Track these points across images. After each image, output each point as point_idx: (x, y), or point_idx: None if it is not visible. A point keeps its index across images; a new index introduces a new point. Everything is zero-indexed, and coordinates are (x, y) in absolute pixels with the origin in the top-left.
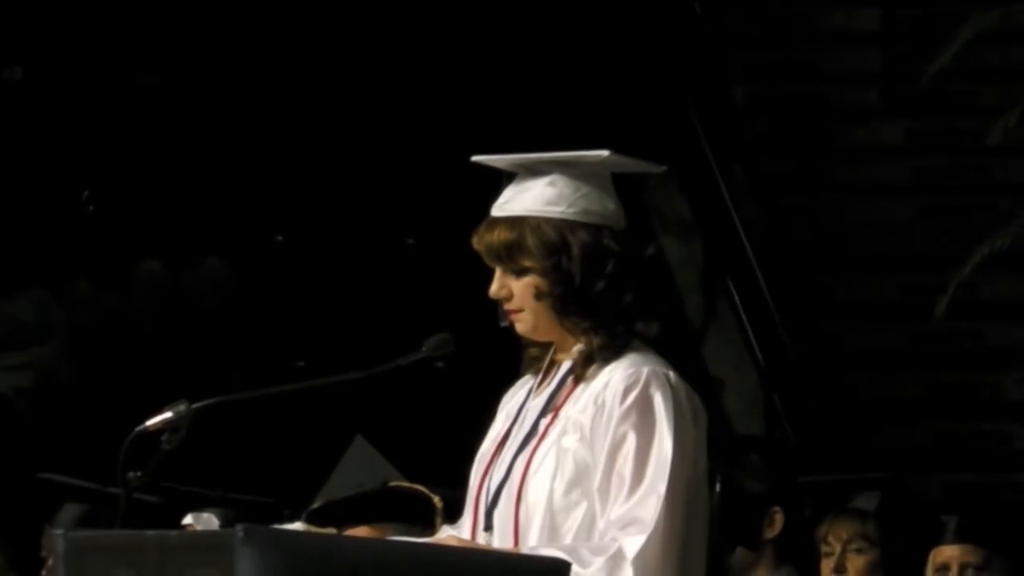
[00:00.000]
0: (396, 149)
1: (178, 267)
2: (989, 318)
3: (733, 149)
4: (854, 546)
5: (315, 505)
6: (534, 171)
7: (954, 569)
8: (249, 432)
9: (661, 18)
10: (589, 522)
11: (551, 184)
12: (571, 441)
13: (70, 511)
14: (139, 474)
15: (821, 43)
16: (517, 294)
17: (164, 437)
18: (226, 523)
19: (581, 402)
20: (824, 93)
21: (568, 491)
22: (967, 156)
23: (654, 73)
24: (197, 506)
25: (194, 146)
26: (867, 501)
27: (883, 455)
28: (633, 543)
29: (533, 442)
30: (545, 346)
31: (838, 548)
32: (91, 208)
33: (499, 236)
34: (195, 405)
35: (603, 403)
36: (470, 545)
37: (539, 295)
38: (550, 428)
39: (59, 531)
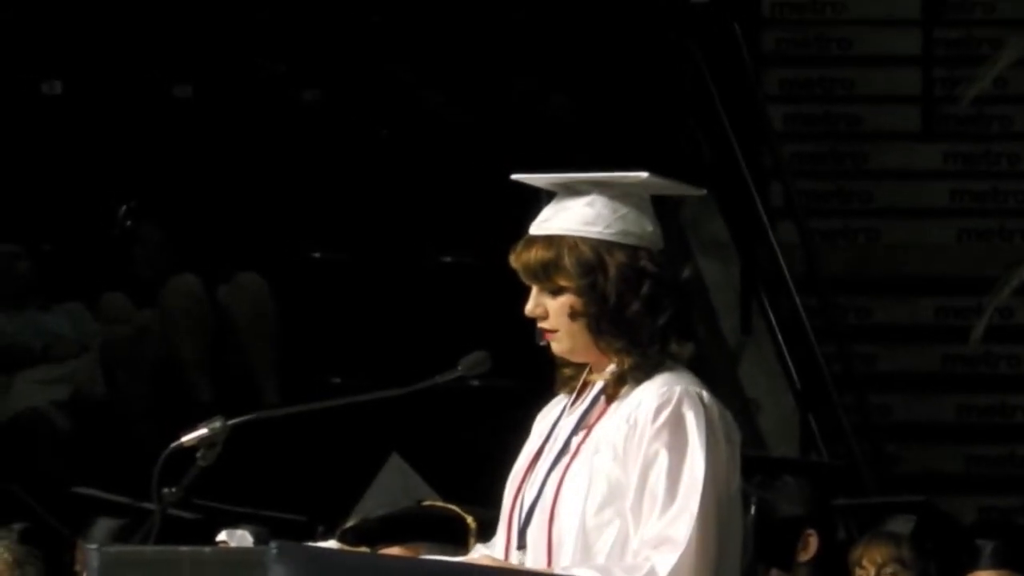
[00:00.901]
0: (433, 167)
1: (214, 282)
2: None
3: (770, 170)
4: (889, 570)
5: (349, 523)
6: (573, 191)
7: None
8: (284, 449)
9: (699, 39)
10: (622, 541)
11: (590, 204)
12: (603, 460)
13: (104, 526)
14: (174, 490)
15: (860, 65)
16: (552, 313)
17: (199, 453)
18: (259, 540)
19: (614, 421)
20: (862, 115)
21: (600, 510)
22: (1005, 180)
23: (692, 94)
24: (231, 523)
25: (230, 161)
26: (902, 524)
27: (918, 478)
28: (665, 562)
29: (565, 460)
30: (579, 365)
31: (873, 572)
32: (128, 223)
33: (536, 255)
34: (231, 421)
35: (635, 422)
36: (503, 564)
37: (574, 315)
38: (582, 447)
39: (93, 546)
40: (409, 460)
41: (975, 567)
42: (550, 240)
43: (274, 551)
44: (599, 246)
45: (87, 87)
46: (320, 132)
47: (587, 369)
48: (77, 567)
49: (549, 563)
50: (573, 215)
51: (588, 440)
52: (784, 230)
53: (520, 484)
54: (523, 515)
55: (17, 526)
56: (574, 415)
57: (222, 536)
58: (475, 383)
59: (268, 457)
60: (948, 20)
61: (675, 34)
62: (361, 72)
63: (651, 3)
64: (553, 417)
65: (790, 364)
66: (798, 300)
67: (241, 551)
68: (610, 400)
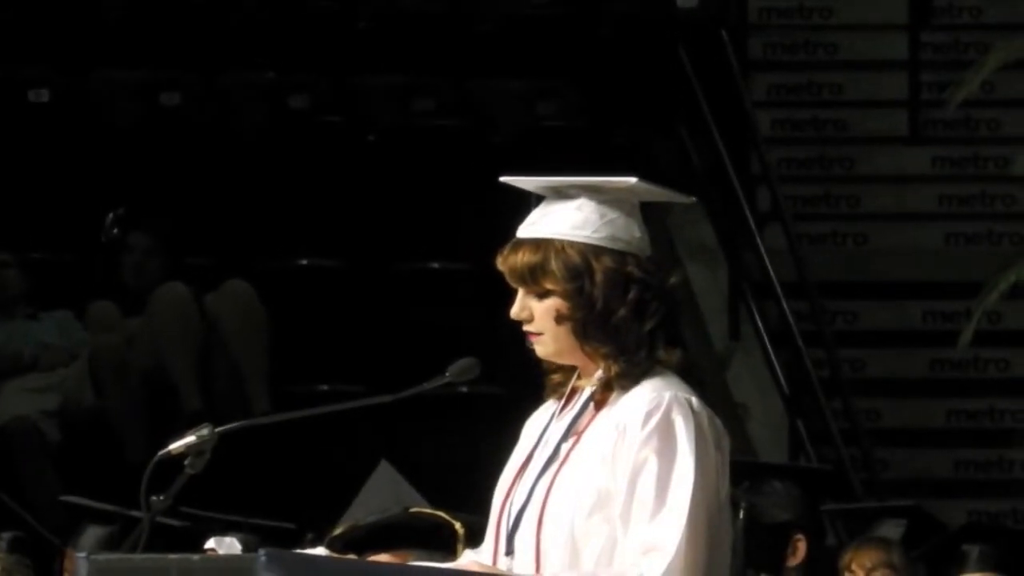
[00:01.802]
0: (421, 173)
1: (202, 290)
2: (1013, 346)
3: (758, 175)
4: (878, 574)
5: (337, 530)
6: (561, 194)
7: None
8: (273, 456)
9: (687, 45)
10: (610, 547)
11: (578, 208)
12: (593, 466)
13: (92, 534)
14: (162, 498)
15: (847, 69)
16: (538, 316)
17: (188, 461)
18: (248, 548)
19: (603, 427)
20: (850, 120)
21: (589, 516)
22: (992, 184)
23: (680, 100)
24: (219, 530)
25: (218, 168)
26: (891, 529)
27: (906, 483)
28: (655, 569)
29: (555, 467)
30: (568, 371)
31: None
32: (116, 231)
33: (523, 258)
34: (219, 429)
35: (624, 428)
36: (491, 570)
37: (560, 318)
38: (572, 453)
39: (82, 554)
40: (398, 467)
41: (963, 570)
42: (537, 244)
43: (262, 558)
44: (587, 250)
45: (74, 95)
46: (308, 138)
47: (575, 375)
48: (65, 575)
49: (537, 569)
50: (561, 219)
51: (577, 447)
52: (772, 235)
53: (509, 490)
54: (512, 521)
55: (6, 535)
56: (563, 421)
57: (210, 544)
58: (464, 390)
59: (257, 465)
60: (935, 24)
61: (663, 40)
62: (348, 78)
63: (639, 9)
64: (542, 423)
65: (778, 369)
66: (786, 305)
67: (230, 558)
68: (599, 406)
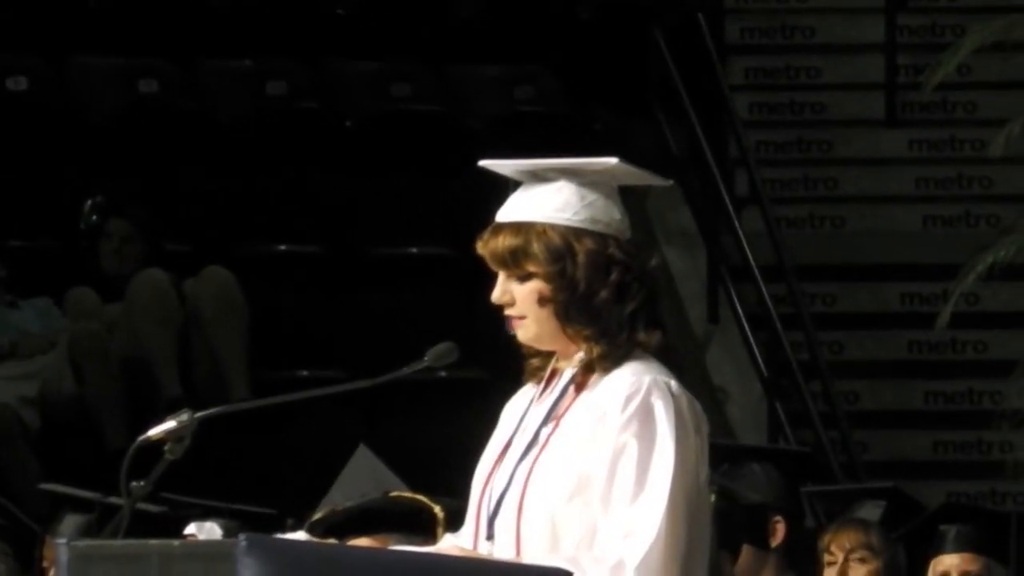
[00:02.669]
0: (399, 158)
1: (181, 276)
2: (991, 328)
3: (736, 158)
4: (857, 556)
5: (317, 515)
6: (541, 177)
7: None
8: (252, 442)
9: (664, 28)
10: (591, 531)
11: (558, 191)
12: (573, 450)
13: (72, 521)
14: (142, 484)
15: (824, 53)
16: (520, 300)
17: (167, 447)
18: (228, 533)
19: (583, 411)
20: (827, 103)
21: (570, 500)
22: (969, 166)
23: (657, 83)
24: (200, 516)
25: (196, 154)
26: (870, 511)
27: (885, 464)
28: (635, 552)
29: (535, 451)
30: (546, 355)
31: (841, 557)
32: (95, 218)
33: (504, 241)
34: (198, 415)
35: (604, 412)
36: (472, 554)
37: (542, 301)
38: (552, 437)
39: (62, 540)
40: (377, 452)
41: (941, 551)
42: (518, 227)
43: (243, 543)
44: (568, 233)
45: (52, 82)
46: (286, 124)
47: (554, 358)
48: (45, 563)
49: (518, 553)
50: (541, 202)
51: (557, 431)
52: (750, 218)
53: (489, 475)
54: (492, 506)
55: None
56: (543, 406)
57: (191, 529)
58: (442, 374)
59: (236, 450)
60: (911, 7)
61: (640, 24)
62: (325, 64)
63: None
64: (522, 407)
65: (757, 352)
66: (764, 288)
67: (210, 544)
68: (579, 389)
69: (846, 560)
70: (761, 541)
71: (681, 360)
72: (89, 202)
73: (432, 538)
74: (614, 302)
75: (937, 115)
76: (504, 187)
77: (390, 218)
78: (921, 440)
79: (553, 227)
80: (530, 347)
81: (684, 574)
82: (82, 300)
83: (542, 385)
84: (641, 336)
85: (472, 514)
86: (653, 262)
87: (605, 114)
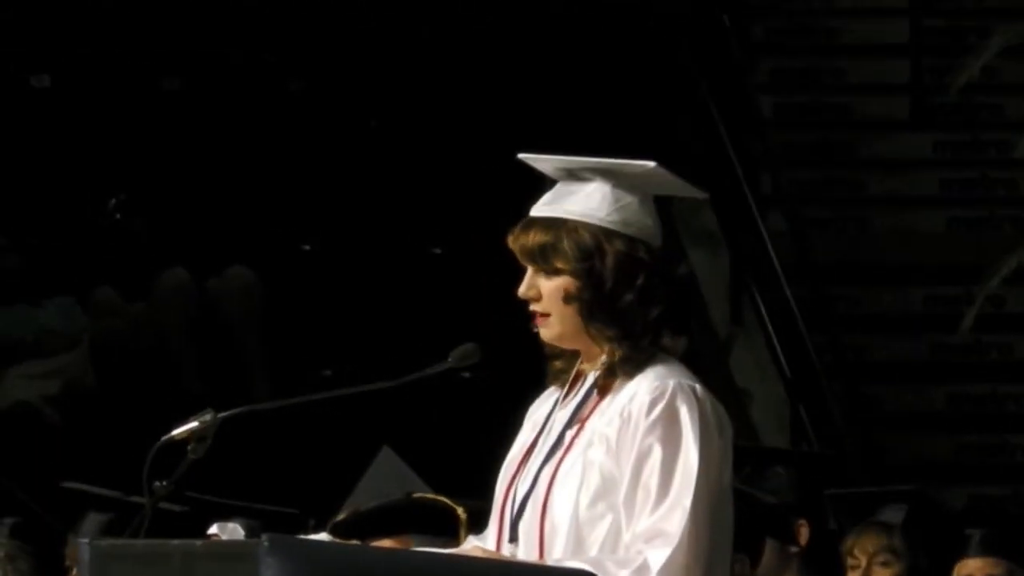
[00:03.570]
0: (423, 158)
1: (204, 275)
2: (1016, 330)
3: (760, 160)
4: (880, 559)
5: (340, 516)
6: (577, 176)
7: None
8: (275, 442)
9: (688, 29)
10: (614, 534)
11: (593, 190)
12: (597, 453)
13: (94, 520)
14: (165, 483)
15: (849, 54)
16: (546, 295)
17: (190, 446)
18: (251, 533)
19: (607, 414)
20: (852, 104)
21: (593, 503)
22: (994, 168)
23: (682, 84)
24: (222, 516)
25: (218, 153)
26: (893, 514)
27: (908, 467)
28: (659, 556)
29: (559, 454)
30: (570, 357)
31: (864, 561)
32: (118, 216)
33: (535, 237)
34: (221, 414)
35: (629, 415)
36: (495, 556)
37: (568, 298)
38: (576, 440)
39: (84, 540)
40: (400, 453)
41: (964, 555)
42: (550, 223)
43: (265, 544)
44: (599, 232)
45: (75, 80)
46: (308, 123)
47: (578, 360)
48: (68, 562)
49: (541, 555)
50: (575, 200)
51: (581, 434)
52: (774, 220)
53: (513, 477)
54: (516, 507)
55: (8, 521)
56: (567, 409)
57: (213, 529)
58: (466, 375)
59: (259, 450)
60: (936, 9)
61: (664, 24)
62: (349, 62)
63: None
64: (546, 410)
65: (780, 354)
66: (788, 290)
67: (232, 544)
68: (603, 393)
69: (869, 564)
70: (786, 536)
71: (704, 362)
72: (112, 201)
73: (455, 540)
74: (639, 305)
75: (962, 117)
76: (532, 189)
77: (413, 218)
78: (944, 443)
79: (585, 226)
80: (554, 348)
81: None
82: (105, 299)
83: (566, 388)
84: (666, 341)
85: (495, 516)
86: (681, 270)
87: (630, 115)
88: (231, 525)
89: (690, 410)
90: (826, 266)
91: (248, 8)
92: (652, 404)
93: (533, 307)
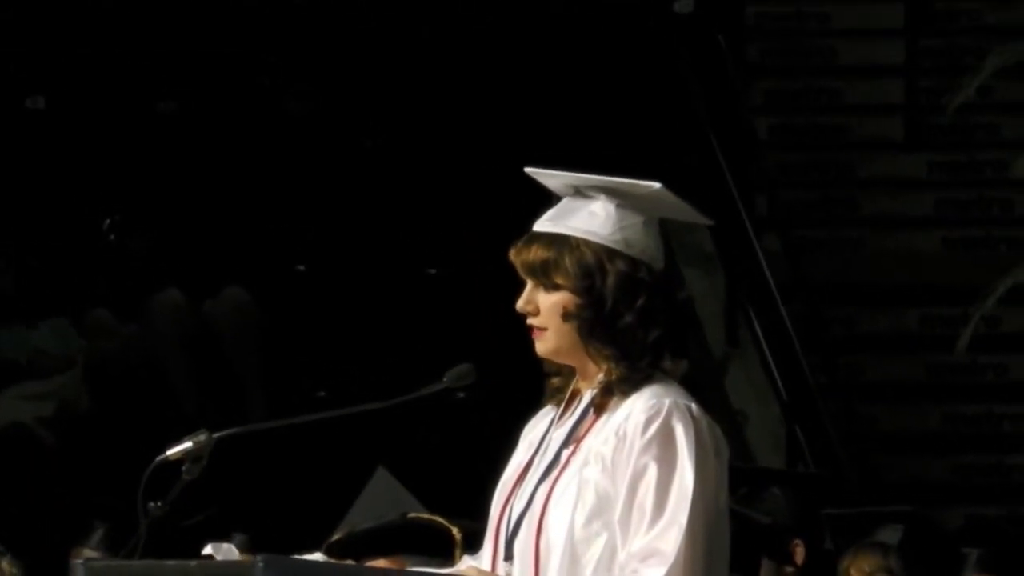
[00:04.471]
0: (418, 178)
1: (199, 296)
2: (1011, 351)
3: (755, 180)
4: None
5: (335, 536)
6: (583, 193)
7: None
8: (270, 462)
9: (684, 50)
10: (609, 554)
11: (598, 209)
12: (592, 472)
13: (99, 535)
14: (159, 504)
15: (844, 75)
16: (544, 310)
17: (185, 467)
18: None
19: (603, 433)
20: (847, 125)
21: (588, 522)
22: (990, 189)
23: (677, 105)
24: (217, 536)
25: (215, 174)
26: (889, 534)
27: (904, 488)
28: (654, 575)
29: (555, 473)
30: (567, 375)
31: None
32: (113, 237)
33: (537, 252)
34: (216, 435)
35: (624, 434)
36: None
37: (566, 315)
38: (572, 459)
39: (79, 561)
40: (395, 473)
41: (961, 575)
42: (553, 239)
43: (260, 564)
44: (601, 251)
45: (71, 102)
46: (303, 144)
47: (575, 379)
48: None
49: (536, 574)
50: (580, 217)
51: (577, 452)
52: (769, 240)
53: (508, 496)
54: (511, 527)
55: None
56: (564, 427)
57: (208, 550)
58: (461, 395)
59: (254, 470)
60: (932, 29)
61: (660, 45)
62: (344, 83)
63: (636, 14)
64: (542, 429)
65: (776, 375)
66: (783, 311)
67: (228, 564)
68: (599, 412)
69: None
70: (782, 556)
71: (700, 383)
72: (108, 221)
73: (450, 560)
74: (638, 327)
75: (958, 137)
76: (527, 209)
77: (409, 239)
78: (941, 463)
79: (588, 244)
80: (550, 365)
81: None
82: (100, 320)
83: (562, 406)
84: (667, 364)
85: (491, 535)
86: (681, 295)
87: (623, 134)
88: (226, 545)
89: (686, 429)
90: (822, 286)
91: (243, 30)
92: (648, 423)
93: (530, 321)
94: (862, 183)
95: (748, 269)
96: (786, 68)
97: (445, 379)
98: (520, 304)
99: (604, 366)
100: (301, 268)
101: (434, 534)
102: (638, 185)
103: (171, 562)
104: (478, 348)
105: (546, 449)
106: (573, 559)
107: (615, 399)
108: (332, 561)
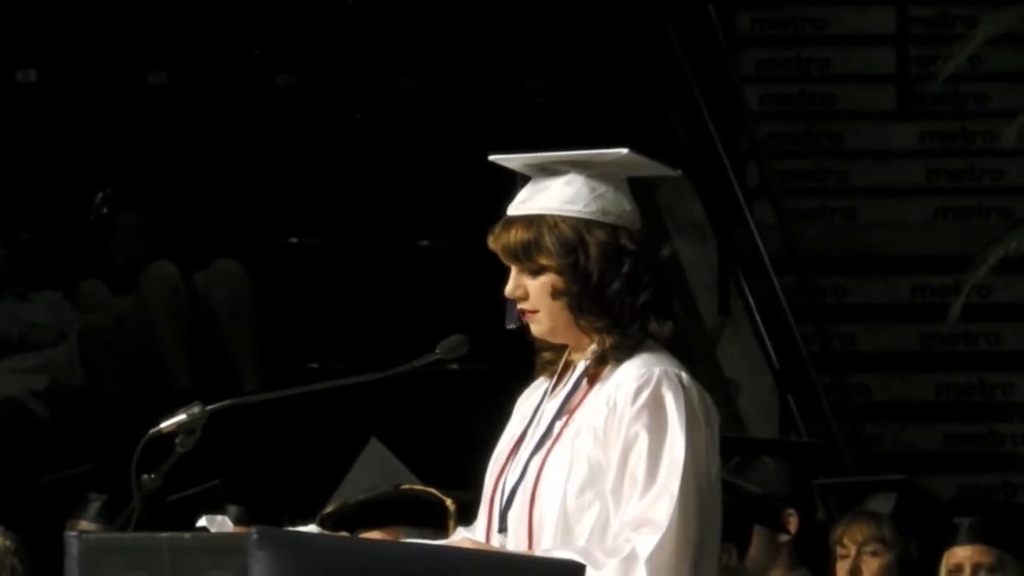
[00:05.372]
0: (409, 151)
1: (191, 268)
2: (1003, 320)
3: (747, 150)
4: (869, 548)
5: (328, 508)
6: (550, 171)
7: (967, 570)
8: (263, 434)
9: (674, 20)
10: (603, 523)
11: (568, 183)
12: (585, 442)
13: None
14: (153, 476)
15: (835, 44)
16: (533, 294)
17: (178, 439)
18: (238, 519)
19: (595, 403)
20: (838, 94)
21: (581, 492)
22: (981, 158)
23: (668, 75)
24: (211, 508)
25: (206, 147)
26: (882, 503)
27: (897, 457)
28: (646, 544)
29: (548, 444)
30: (559, 349)
31: (853, 550)
32: (105, 210)
33: (516, 235)
34: (209, 407)
35: (615, 404)
36: (484, 547)
37: (556, 294)
38: (565, 430)
39: (72, 534)
40: (388, 444)
41: (953, 544)
42: (529, 220)
43: (254, 536)
44: (579, 225)
45: (62, 75)
46: (295, 117)
47: (567, 351)
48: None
49: (530, 545)
50: (552, 195)
51: (570, 423)
52: (761, 210)
53: (502, 468)
54: (504, 498)
55: None
56: (557, 399)
57: (202, 522)
58: (453, 367)
59: (247, 443)
60: None
61: (650, 15)
62: (335, 56)
63: None
64: (535, 401)
65: (768, 344)
66: (775, 280)
67: (221, 536)
68: (592, 382)
69: (858, 553)
70: (774, 524)
71: (692, 352)
72: (99, 194)
73: (444, 531)
74: (626, 293)
75: (948, 107)
76: (514, 181)
77: (400, 210)
78: (933, 433)
79: (564, 219)
80: (543, 341)
81: (695, 565)
82: (92, 292)
83: (555, 378)
84: (653, 326)
85: (484, 507)
86: (664, 252)
87: (614, 105)
88: (220, 518)
89: (676, 397)
90: (813, 256)
91: (234, 3)
92: (637, 391)
93: (521, 306)
94: (853, 153)
95: (740, 239)
96: (776, 38)
97: (438, 350)
98: (509, 291)
99: (596, 337)
100: (293, 240)
101: (427, 506)
102: (603, 153)
103: (164, 534)
104: (471, 319)
105: (539, 421)
106: (567, 530)
107: (607, 369)
108: (326, 533)
